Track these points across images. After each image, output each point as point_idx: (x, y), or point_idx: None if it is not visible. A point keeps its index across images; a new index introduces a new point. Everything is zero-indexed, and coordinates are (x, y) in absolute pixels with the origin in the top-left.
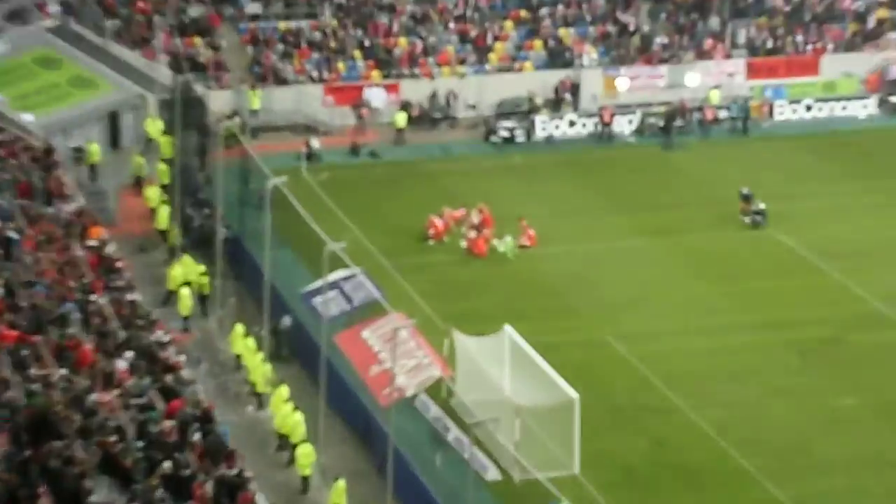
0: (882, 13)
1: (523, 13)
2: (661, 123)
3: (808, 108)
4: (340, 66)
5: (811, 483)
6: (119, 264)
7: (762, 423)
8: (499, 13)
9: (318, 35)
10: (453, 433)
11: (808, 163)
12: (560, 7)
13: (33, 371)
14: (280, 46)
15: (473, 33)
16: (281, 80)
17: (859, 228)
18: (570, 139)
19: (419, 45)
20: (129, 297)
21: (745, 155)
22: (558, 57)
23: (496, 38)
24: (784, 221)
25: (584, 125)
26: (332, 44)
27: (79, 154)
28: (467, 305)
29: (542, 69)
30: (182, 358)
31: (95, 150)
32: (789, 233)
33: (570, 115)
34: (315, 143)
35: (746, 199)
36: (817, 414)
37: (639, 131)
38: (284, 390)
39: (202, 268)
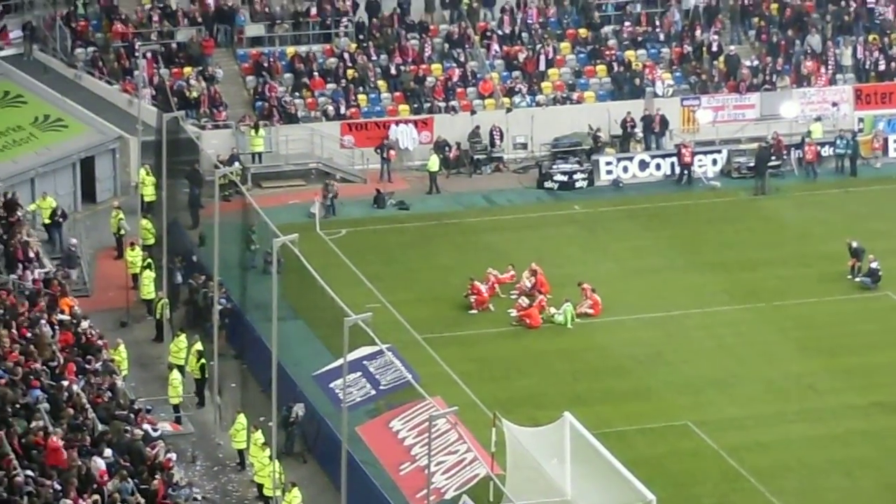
0: None
1: (583, 32)
2: (752, 163)
3: None
4: (361, 98)
5: None
6: (96, 342)
7: None
8: (553, 32)
9: (333, 62)
10: None
11: None
12: (627, 24)
13: None
14: (288, 76)
15: (522, 57)
16: (289, 117)
17: None
18: (641, 183)
19: (456, 72)
20: (108, 382)
21: (853, 201)
22: (626, 84)
23: (550, 63)
24: None
25: (658, 166)
26: (351, 72)
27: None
28: (518, 388)
29: (607, 99)
30: (173, 455)
31: (48, 204)
32: None
33: (641, 155)
34: (332, 189)
35: (856, 254)
36: None
37: (725, 173)
38: (297, 494)
39: (196, 346)
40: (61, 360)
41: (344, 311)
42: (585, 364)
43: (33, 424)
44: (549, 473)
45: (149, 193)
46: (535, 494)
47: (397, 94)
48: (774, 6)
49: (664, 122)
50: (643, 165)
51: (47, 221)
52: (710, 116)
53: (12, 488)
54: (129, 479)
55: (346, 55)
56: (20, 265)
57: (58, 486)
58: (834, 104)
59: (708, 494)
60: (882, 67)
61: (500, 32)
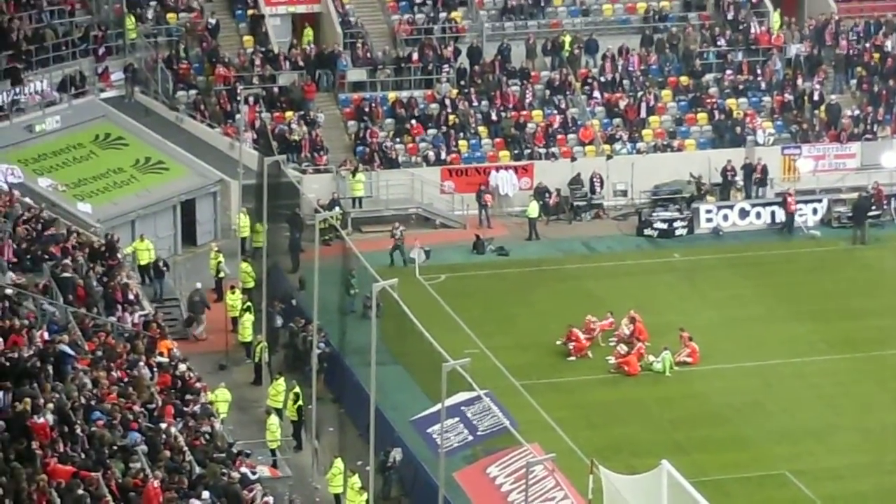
0: None
1: (684, 80)
2: (852, 213)
3: None
4: (462, 144)
5: None
6: (194, 385)
7: None
8: (655, 80)
9: (435, 107)
10: None
11: None
12: (729, 73)
13: None
14: (389, 121)
15: (623, 104)
16: (390, 162)
17: None
18: (741, 232)
19: (557, 118)
20: (206, 425)
21: None
22: (727, 132)
23: (651, 111)
24: None
25: (758, 215)
26: (452, 118)
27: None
28: (616, 435)
29: (708, 147)
30: (270, 499)
31: (146, 250)
32: None
33: (742, 203)
34: (398, 234)
35: None
36: None
37: (825, 222)
38: None
39: (295, 389)
40: (159, 403)
41: (442, 357)
42: (683, 412)
43: (131, 466)
44: None
45: (256, 239)
46: None
47: (498, 140)
48: (876, 56)
49: (765, 171)
50: (743, 214)
51: (142, 263)
52: (810, 165)
53: None
54: None
55: (447, 101)
56: (119, 307)
57: None
58: None
59: None
60: None
61: (601, 79)
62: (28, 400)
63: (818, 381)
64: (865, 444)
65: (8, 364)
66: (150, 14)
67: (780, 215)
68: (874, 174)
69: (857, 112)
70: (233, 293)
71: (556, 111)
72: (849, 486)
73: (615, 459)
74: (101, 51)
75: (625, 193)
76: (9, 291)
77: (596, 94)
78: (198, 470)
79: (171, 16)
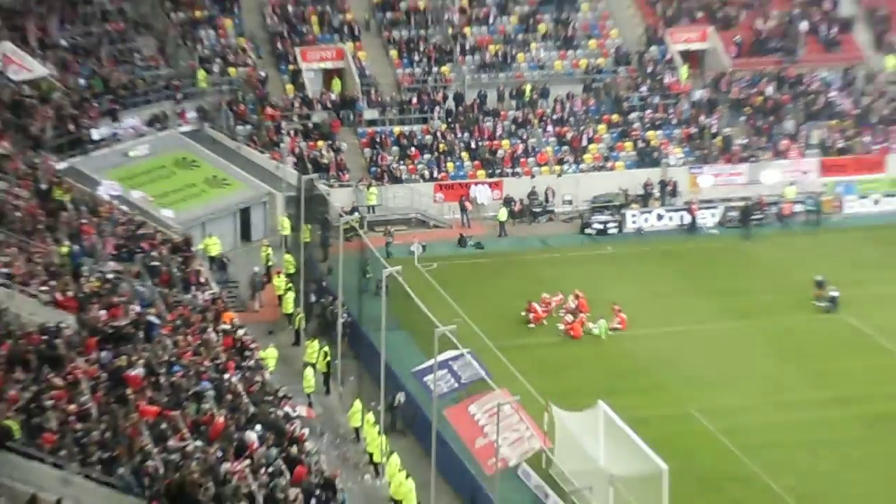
0: None
1: (615, 117)
2: (740, 216)
3: (876, 202)
4: (450, 165)
5: None
6: (250, 346)
7: (836, 491)
8: (593, 117)
9: (429, 138)
10: (553, 500)
11: (875, 253)
12: (648, 112)
13: (171, 443)
14: (395, 148)
15: (570, 135)
16: (395, 179)
17: None
18: (657, 231)
19: (520, 146)
20: (259, 376)
21: (817, 245)
22: (647, 157)
23: (591, 140)
24: (853, 306)
25: (670, 218)
26: (442, 146)
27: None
28: (564, 383)
29: (633, 167)
30: (306, 431)
31: (215, 245)
32: (858, 316)
33: (658, 210)
34: (391, 235)
35: (819, 285)
36: (886, 482)
37: (721, 223)
38: (396, 459)
39: (326, 348)
40: (223, 359)
41: (434, 324)
42: (616, 366)
43: (202, 407)
44: (587, 447)
45: (299, 236)
46: (577, 463)
47: (476, 162)
48: (759, 99)
49: (675, 185)
50: (659, 217)
51: (211, 255)
52: (710, 181)
53: (185, 454)
54: (274, 448)
55: (438, 133)
56: (193, 287)
57: (220, 453)
58: (804, 172)
59: (705, 464)
60: (840, 145)
61: (553, 117)
62: (125, 357)
63: (716, 342)
64: (753, 390)
65: (110, 331)
66: (216, 68)
67: (687, 218)
68: (758, 188)
69: (745, 141)
70: (278, 277)
71: (519, 141)
72: (741, 421)
73: (564, 401)
74: (180, 96)
75: (571, 202)
76: (110, 276)
77: (549, 128)
78: (252, 409)
79: (231, 70)
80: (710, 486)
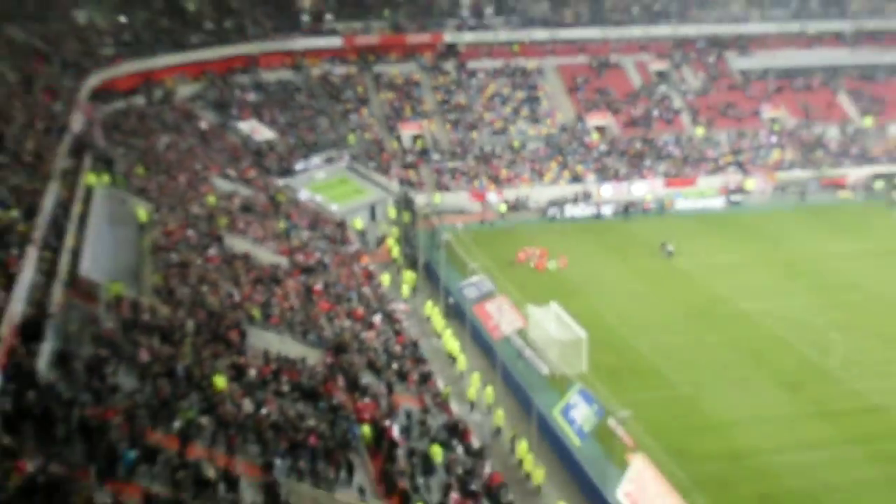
0: (727, 158)
1: (559, 158)
2: (623, 209)
3: (688, 202)
4: (475, 183)
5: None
6: (374, 274)
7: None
8: (549, 158)
9: (466, 169)
10: (528, 352)
11: (691, 227)
12: (577, 156)
13: (335, 322)
14: (448, 174)
15: (538, 167)
16: (448, 189)
17: (700, 257)
18: (581, 217)
19: (512, 173)
20: (380, 288)
21: (662, 224)
22: (576, 179)
23: (548, 170)
24: (682, 256)
25: (588, 211)
26: (473, 173)
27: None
28: (534, 292)
29: (569, 183)
30: (404, 316)
31: (358, 223)
32: (684, 261)
33: (582, 206)
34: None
35: (663, 245)
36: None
37: (614, 213)
38: (450, 331)
39: (414, 275)
40: (360, 279)
41: (469, 265)
42: (560, 284)
43: (351, 304)
44: (545, 325)
45: (400, 220)
46: (539, 333)
47: (490, 181)
48: (633, 149)
49: (590, 194)
50: (582, 210)
51: (357, 229)
52: (608, 191)
53: (342, 328)
54: (386, 325)
55: (470, 167)
56: (346, 244)
57: (359, 327)
58: (655, 186)
59: (600, 331)
60: (673, 173)
61: (529, 158)
62: (312, 279)
63: (607, 272)
64: (621, 297)
65: (304, 266)
66: (358, 134)
67: (595, 211)
68: (632, 195)
69: (625, 170)
70: (390, 239)
71: (513, 170)
72: (615, 312)
73: (534, 300)
74: (340, 148)
75: (537, 202)
76: (305, 238)
77: (526, 164)
78: (375, 306)
79: (367, 134)
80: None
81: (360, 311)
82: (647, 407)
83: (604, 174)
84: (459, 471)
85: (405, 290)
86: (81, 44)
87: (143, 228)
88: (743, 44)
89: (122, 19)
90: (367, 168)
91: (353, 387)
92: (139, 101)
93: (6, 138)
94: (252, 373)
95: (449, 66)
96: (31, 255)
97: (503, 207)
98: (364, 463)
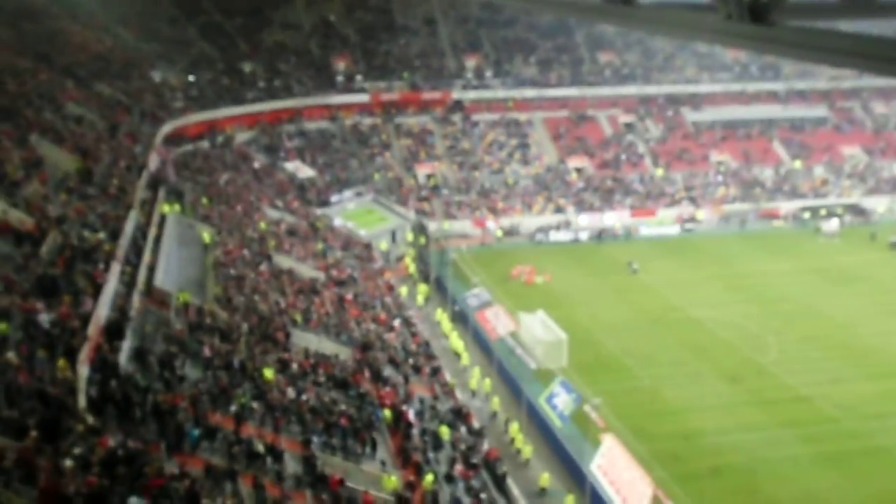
0: (681, 193)
1: (544, 193)
2: (597, 235)
3: (650, 230)
4: (477, 213)
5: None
6: (394, 286)
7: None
8: (537, 193)
9: (469, 201)
10: (519, 350)
11: (651, 251)
12: (559, 191)
13: (363, 325)
14: (455, 206)
15: (527, 200)
16: (454, 217)
17: (668, 275)
18: (563, 241)
19: (507, 205)
20: (399, 298)
21: (629, 248)
22: (558, 210)
23: (535, 204)
24: (645, 273)
25: (569, 236)
26: (475, 205)
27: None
28: (524, 302)
29: (553, 214)
30: (417, 320)
31: (383, 244)
32: (645, 276)
33: (564, 232)
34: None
35: (630, 263)
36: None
37: (590, 238)
38: (455, 333)
39: (427, 287)
40: (384, 290)
41: (471, 279)
42: (546, 295)
43: (375, 311)
44: (532, 328)
45: (416, 243)
46: (528, 335)
47: (489, 212)
48: (605, 186)
49: (570, 222)
50: (564, 235)
51: (381, 249)
52: (585, 220)
53: (368, 330)
54: (405, 327)
55: (474, 202)
56: (372, 261)
57: (382, 328)
58: (622, 216)
59: (583, 332)
60: (638, 205)
61: (521, 194)
62: (344, 290)
63: (585, 286)
64: (600, 299)
65: (337, 280)
66: (382, 172)
67: (574, 237)
68: (604, 223)
69: (599, 203)
70: (408, 258)
71: (508, 204)
72: (594, 307)
73: (524, 308)
74: (367, 184)
75: (528, 228)
76: (339, 257)
77: (518, 198)
78: (394, 311)
79: (390, 173)
80: (582, 341)
81: (383, 316)
82: (615, 396)
83: (581, 206)
84: (463, 447)
85: (420, 299)
86: (157, 98)
87: (207, 248)
88: (696, 101)
89: (191, 78)
90: (389, 200)
91: (377, 378)
92: (204, 145)
93: (95, 174)
94: (294, 366)
95: (456, 118)
96: (115, 269)
97: (499, 233)
98: (385, 440)
